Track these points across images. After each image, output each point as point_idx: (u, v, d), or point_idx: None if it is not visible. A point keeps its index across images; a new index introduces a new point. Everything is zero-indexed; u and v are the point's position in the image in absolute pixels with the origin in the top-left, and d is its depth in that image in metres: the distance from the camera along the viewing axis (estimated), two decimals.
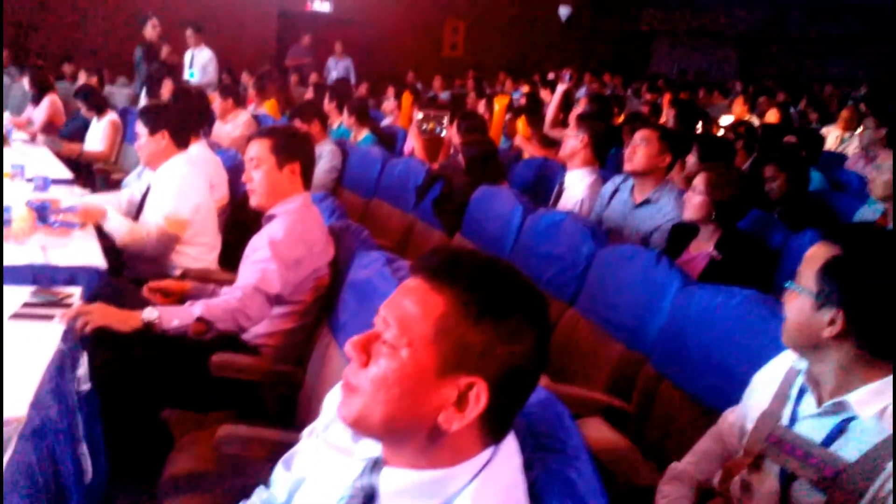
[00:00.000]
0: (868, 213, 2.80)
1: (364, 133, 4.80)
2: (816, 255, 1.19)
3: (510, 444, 0.91)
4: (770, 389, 1.32)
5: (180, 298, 2.09)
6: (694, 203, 2.39)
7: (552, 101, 4.69)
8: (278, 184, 2.07)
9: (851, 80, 9.88)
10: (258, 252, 2.00)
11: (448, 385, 0.83)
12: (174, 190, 2.62)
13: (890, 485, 1.10)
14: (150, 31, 6.23)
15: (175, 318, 1.83)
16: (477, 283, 0.84)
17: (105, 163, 4.71)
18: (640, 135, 2.86)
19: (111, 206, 2.75)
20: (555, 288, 2.48)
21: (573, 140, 3.24)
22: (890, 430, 1.13)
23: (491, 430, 0.87)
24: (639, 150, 2.83)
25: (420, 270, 0.87)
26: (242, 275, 2.02)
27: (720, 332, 1.74)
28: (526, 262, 2.69)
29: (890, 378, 1.16)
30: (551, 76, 5.45)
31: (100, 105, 4.96)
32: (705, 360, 1.75)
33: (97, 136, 4.86)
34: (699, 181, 2.39)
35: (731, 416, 1.42)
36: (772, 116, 5.89)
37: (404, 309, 0.85)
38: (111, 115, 4.94)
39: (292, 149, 2.09)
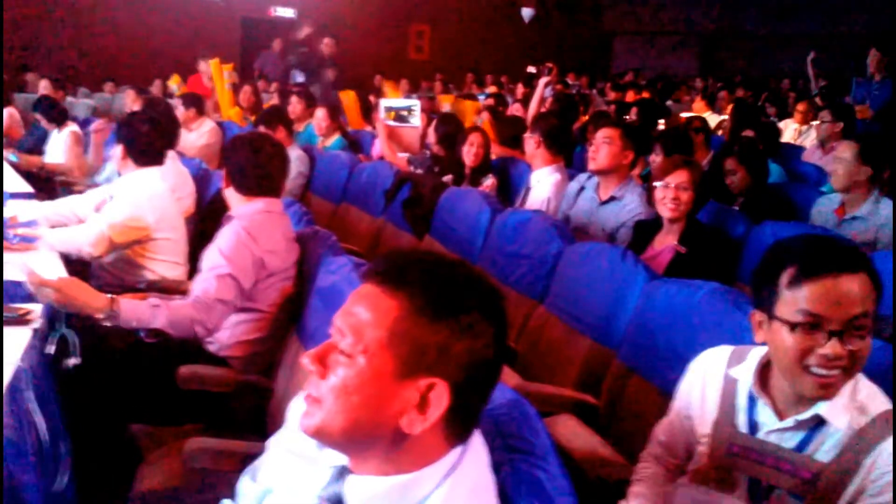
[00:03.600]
0: (825, 203, 2.85)
1: (334, 136, 4.78)
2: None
3: (478, 446, 0.91)
4: (711, 399, 1.27)
5: None
6: (684, 200, 2.38)
7: (535, 96, 4.71)
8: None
9: (807, 75, 10.12)
10: (210, 259, 1.99)
11: (408, 388, 0.82)
12: (135, 200, 2.55)
13: (870, 481, 1.10)
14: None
15: (133, 320, 1.82)
16: (428, 284, 0.84)
17: (67, 175, 4.61)
18: (601, 133, 2.89)
19: (66, 216, 2.71)
20: (524, 286, 2.50)
21: (529, 141, 3.28)
22: (862, 424, 1.12)
23: (455, 429, 0.87)
24: (602, 149, 2.86)
25: (371, 276, 0.86)
26: (197, 283, 2.00)
27: (686, 324, 1.76)
28: (495, 262, 2.71)
29: (852, 381, 1.14)
30: (531, 69, 5.46)
31: (59, 117, 4.86)
32: (672, 352, 1.77)
33: (58, 148, 4.76)
34: (680, 178, 2.38)
35: (662, 435, 1.38)
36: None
37: (357, 316, 0.84)
38: (72, 127, 4.85)
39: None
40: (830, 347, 1.07)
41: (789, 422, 1.17)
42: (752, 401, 1.23)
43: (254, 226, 2.01)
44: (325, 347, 0.86)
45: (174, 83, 6.57)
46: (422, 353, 0.82)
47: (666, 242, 2.44)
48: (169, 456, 1.63)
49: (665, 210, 2.41)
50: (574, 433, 1.73)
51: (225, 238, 2.00)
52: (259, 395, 1.91)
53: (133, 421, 1.96)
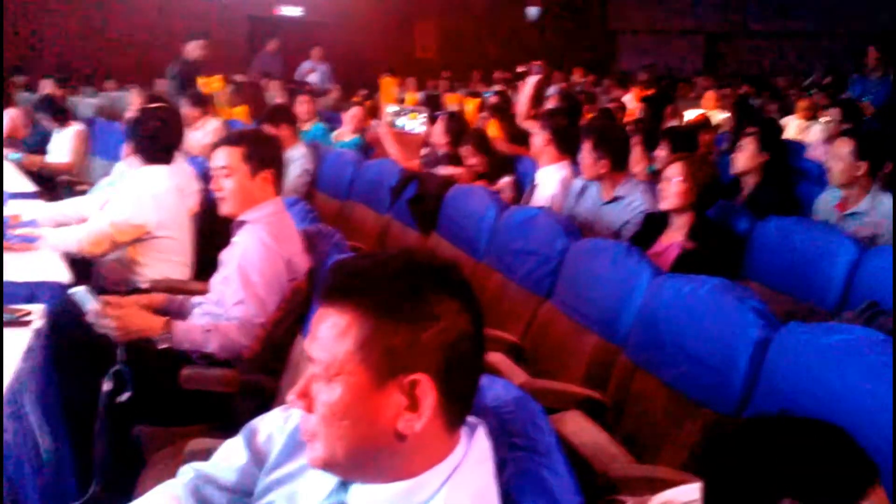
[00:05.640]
0: (828, 198, 2.84)
1: (354, 136, 4.79)
2: None
3: (482, 446, 0.90)
4: None
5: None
6: (675, 191, 2.40)
7: (523, 94, 4.70)
8: (251, 192, 2.02)
9: (809, 73, 10.12)
10: (232, 275, 1.94)
11: (393, 392, 0.82)
12: (139, 199, 2.54)
13: None
14: (192, 49, 5.97)
15: (186, 343, 1.85)
16: (374, 287, 0.83)
17: (70, 174, 4.62)
18: (584, 146, 2.88)
19: (70, 217, 2.70)
20: (530, 283, 2.50)
21: (537, 138, 3.27)
22: None
23: (454, 413, 0.86)
24: (584, 160, 2.88)
25: (322, 298, 0.86)
26: (219, 294, 1.98)
27: (691, 320, 1.76)
28: (501, 259, 2.70)
29: None
30: (521, 69, 5.46)
31: (62, 116, 4.86)
32: (678, 348, 1.77)
33: (62, 148, 4.77)
34: (676, 170, 2.41)
35: None
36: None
37: (321, 341, 0.84)
38: (76, 126, 4.85)
39: (266, 156, 2.05)
40: None
41: None
42: None
43: (273, 229, 1.98)
44: (307, 381, 0.86)
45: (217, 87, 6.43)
46: (392, 355, 0.81)
47: (673, 238, 2.43)
48: (172, 457, 1.62)
49: (662, 202, 2.43)
50: (581, 429, 1.72)
51: (251, 250, 1.94)
52: (263, 395, 1.90)
53: (136, 423, 1.95)
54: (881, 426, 1.27)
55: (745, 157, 3.12)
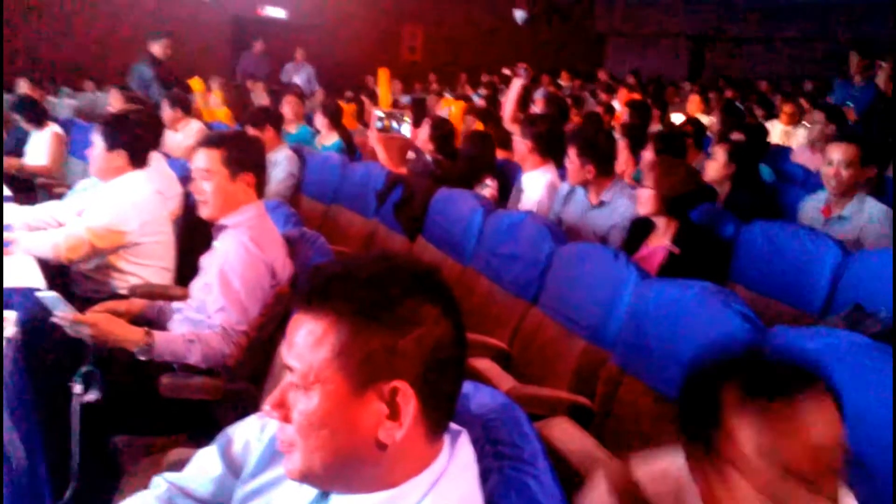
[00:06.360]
0: (813, 203, 2.86)
1: (333, 138, 4.76)
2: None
3: (466, 453, 0.89)
4: None
5: (129, 319, 2.01)
6: (643, 197, 2.43)
7: (509, 97, 4.70)
8: (231, 195, 1.98)
9: (795, 77, 10.24)
10: (213, 282, 1.90)
11: (372, 400, 0.80)
12: (119, 205, 2.49)
13: None
14: (161, 49, 5.88)
15: (168, 354, 1.80)
16: (352, 292, 0.81)
17: (48, 177, 4.54)
18: (570, 152, 2.87)
19: (46, 221, 2.64)
20: (517, 288, 2.48)
21: (520, 145, 3.25)
22: None
23: (435, 420, 0.84)
24: (570, 166, 2.88)
25: (297, 304, 0.84)
26: (200, 300, 1.94)
27: (678, 324, 1.75)
28: (488, 263, 2.69)
29: None
30: (506, 71, 5.46)
31: (39, 117, 4.78)
32: (665, 352, 1.76)
33: (39, 150, 4.69)
34: (648, 176, 2.43)
35: None
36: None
37: (297, 348, 0.82)
38: (53, 127, 4.76)
39: (246, 159, 2.01)
40: None
41: None
42: None
43: (255, 233, 1.94)
44: (282, 390, 0.84)
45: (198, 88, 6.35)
46: (371, 362, 0.79)
47: (658, 242, 2.43)
48: (151, 468, 1.58)
49: (637, 206, 2.48)
50: (568, 436, 1.71)
51: (233, 255, 1.90)
52: (247, 403, 1.86)
53: (115, 432, 1.91)
54: (869, 430, 1.27)
55: (714, 166, 3.15)
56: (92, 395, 1.69)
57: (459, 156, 3.69)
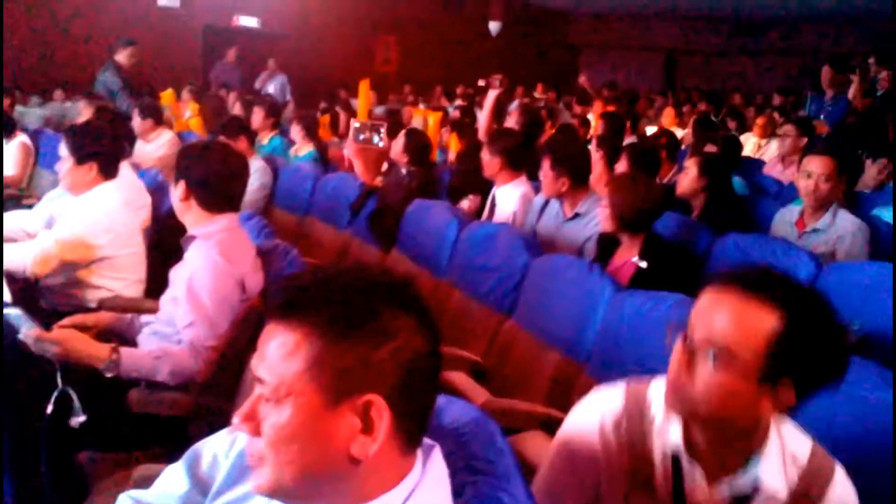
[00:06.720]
0: (786, 215, 2.89)
1: (308, 149, 4.72)
2: (751, 322, 0.97)
3: (439, 468, 0.88)
4: (616, 460, 1.08)
5: (97, 333, 1.97)
6: (601, 216, 2.44)
7: (484, 108, 4.71)
8: (188, 210, 1.95)
9: (768, 90, 10.44)
10: (191, 296, 1.86)
11: (345, 414, 0.78)
12: (89, 218, 2.43)
13: None
14: (125, 58, 5.78)
15: (135, 371, 1.76)
16: (327, 304, 0.79)
17: (16, 188, 4.45)
18: (543, 165, 2.87)
19: (14, 232, 2.58)
20: (492, 300, 2.48)
21: (489, 161, 3.21)
22: (799, 476, 1.03)
23: (409, 434, 0.82)
24: (543, 179, 2.88)
25: (270, 314, 0.82)
26: (169, 314, 1.91)
27: (652, 336, 1.76)
28: (463, 276, 2.68)
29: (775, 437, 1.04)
30: (481, 83, 5.47)
31: (8, 127, 4.68)
32: (639, 365, 1.75)
33: (6, 160, 4.59)
34: (605, 194, 2.43)
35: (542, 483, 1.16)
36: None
37: (269, 360, 0.80)
38: (21, 137, 4.67)
39: (192, 172, 1.95)
40: None
41: (725, 489, 1.03)
42: (674, 461, 1.04)
43: (224, 247, 1.90)
44: (252, 402, 0.82)
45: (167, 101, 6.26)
46: (345, 374, 0.78)
47: (625, 256, 2.42)
48: (119, 485, 1.54)
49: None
50: (543, 450, 1.69)
51: (201, 268, 1.86)
52: (218, 418, 1.82)
53: (83, 448, 1.85)
54: (851, 440, 1.28)
55: (687, 179, 3.17)
56: (78, 419, 1.66)
57: (453, 170, 3.69)
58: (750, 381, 0.96)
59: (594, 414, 1.12)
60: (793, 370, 0.97)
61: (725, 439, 1.02)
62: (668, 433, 1.05)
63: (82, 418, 1.67)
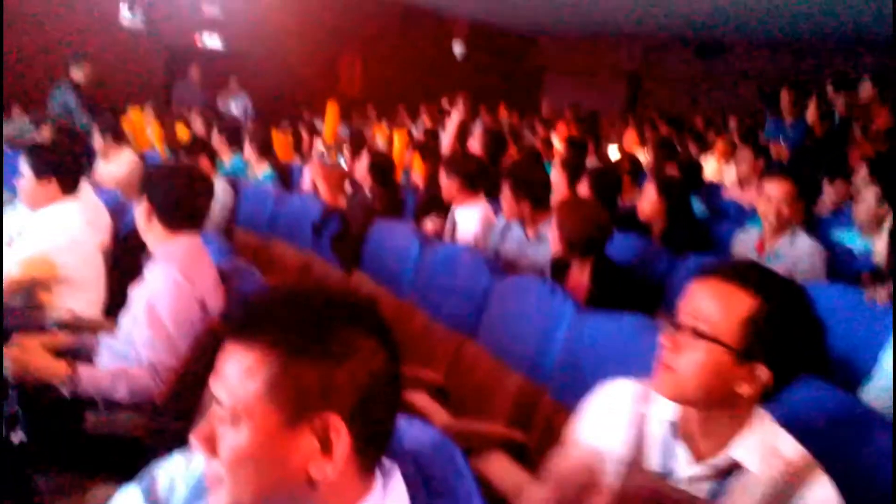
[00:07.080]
0: (745, 237, 2.94)
1: (265, 168, 4.68)
2: (730, 303, 1.06)
3: (398, 491, 0.87)
4: (618, 434, 1.19)
5: (55, 353, 1.92)
6: (551, 240, 2.45)
7: (447, 131, 4.74)
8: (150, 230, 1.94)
9: (727, 114, 10.72)
10: (141, 316, 1.84)
11: (303, 435, 0.78)
12: (49, 238, 2.40)
13: None
14: (81, 74, 5.66)
15: (93, 389, 1.74)
16: (286, 323, 0.79)
17: None
18: (504, 189, 2.89)
19: None
20: (454, 321, 2.48)
21: (447, 184, 3.22)
22: (779, 468, 1.08)
23: (367, 458, 0.82)
24: (504, 203, 2.89)
25: (228, 334, 0.82)
26: (127, 333, 1.87)
27: (613, 356, 1.78)
28: (425, 296, 2.68)
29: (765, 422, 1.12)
30: (445, 105, 5.51)
31: None
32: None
33: None
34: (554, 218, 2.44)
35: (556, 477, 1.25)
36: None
37: (227, 380, 0.79)
38: None
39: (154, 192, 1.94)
40: None
41: (705, 468, 1.11)
42: (665, 443, 1.15)
43: (185, 267, 1.89)
44: (210, 422, 0.81)
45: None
46: (303, 395, 0.77)
47: (577, 279, 2.43)
48: None
49: None
50: (504, 471, 1.70)
51: (161, 288, 1.84)
52: (177, 440, 1.79)
53: (38, 470, 1.80)
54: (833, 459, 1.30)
55: (645, 202, 3.21)
56: (16, 437, 1.62)
57: (419, 192, 3.68)
58: (729, 357, 1.05)
59: (615, 386, 1.26)
60: (769, 353, 1.05)
61: (710, 419, 1.10)
62: (662, 413, 1.15)
63: (21, 438, 1.63)
